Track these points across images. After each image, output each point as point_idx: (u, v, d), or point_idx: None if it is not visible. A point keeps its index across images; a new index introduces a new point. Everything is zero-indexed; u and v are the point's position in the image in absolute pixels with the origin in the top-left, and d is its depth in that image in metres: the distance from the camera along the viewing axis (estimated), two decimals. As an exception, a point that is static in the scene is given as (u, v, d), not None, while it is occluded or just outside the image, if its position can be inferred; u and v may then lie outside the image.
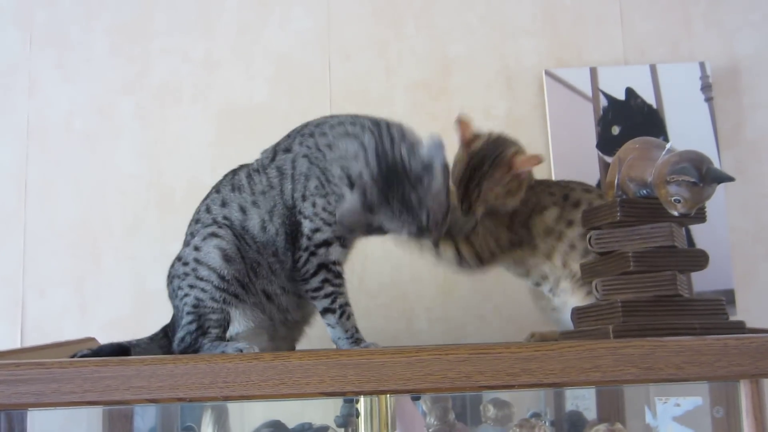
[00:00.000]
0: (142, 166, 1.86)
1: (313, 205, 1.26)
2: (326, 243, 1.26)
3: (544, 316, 1.50)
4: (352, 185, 1.23)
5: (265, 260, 1.27)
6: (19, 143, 1.87)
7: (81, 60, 1.91)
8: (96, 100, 1.89)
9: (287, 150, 1.31)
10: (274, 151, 1.33)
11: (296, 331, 1.40)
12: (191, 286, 1.26)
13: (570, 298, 1.38)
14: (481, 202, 1.35)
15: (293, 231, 1.28)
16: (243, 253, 1.27)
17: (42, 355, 1.26)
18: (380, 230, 1.25)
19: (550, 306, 1.45)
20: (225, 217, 1.29)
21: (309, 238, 1.26)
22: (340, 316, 1.26)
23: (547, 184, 1.47)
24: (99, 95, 1.89)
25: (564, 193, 1.41)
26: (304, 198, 1.27)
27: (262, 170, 1.32)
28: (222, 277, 1.24)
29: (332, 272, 1.27)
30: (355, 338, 1.26)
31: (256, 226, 1.28)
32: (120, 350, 1.26)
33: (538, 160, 1.33)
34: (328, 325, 1.27)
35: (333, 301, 1.26)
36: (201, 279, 1.25)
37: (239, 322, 1.27)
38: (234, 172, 1.35)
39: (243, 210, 1.29)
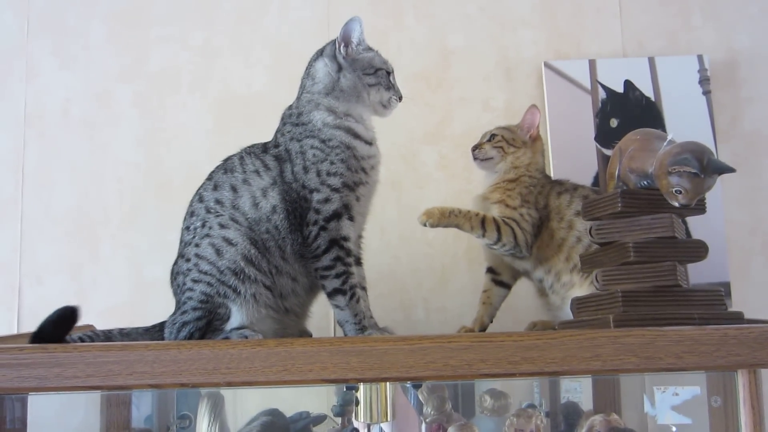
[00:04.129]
0: (139, 154, 1.86)
1: (318, 174, 1.28)
2: (336, 215, 1.27)
3: (546, 314, 1.51)
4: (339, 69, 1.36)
5: (258, 237, 1.28)
6: (16, 130, 1.86)
7: (78, 47, 1.90)
8: (93, 87, 1.89)
9: (276, 146, 1.35)
10: (265, 147, 1.36)
11: (300, 323, 1.40)
12: (195, 281, 1.26)
13: (570, 291, 1.39)
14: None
15: (296, 209, 1.28)
16: (232, 238, 1.27)
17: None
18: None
19: (550, 303, 1.46)
20: (217, 201, 1.30)
21: (318, 212, 1.27)
22: (350, 298, 1.26)
23: (558, 181, 1.57)
24: (96, 82, 1.89)
25: (574, 186, 1.52)
26: (306, 170, 1.29)
27: (254, 155, 1.34)
28: (219, 270, 1.25)
29: (344, 249, 1.27)
30: (362, 325, 1.26)
31: (247, 203, 1.29)
32: (64, 317, 1.23)
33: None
34: (337, 306, 1.27)
35: (344, 282, 1.26)
36: (204, 273, 1.26)
37: (237, 317, 1.26)
38: (226, 159, 1.38)
39: (234, 189, 1.31)
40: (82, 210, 1.83)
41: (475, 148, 1.59)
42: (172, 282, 1.34)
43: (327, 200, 1.27)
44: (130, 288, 1.80)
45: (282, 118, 1.39)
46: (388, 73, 1.40)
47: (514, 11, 1.91)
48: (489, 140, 1.58)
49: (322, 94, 1.35)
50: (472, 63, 1.89)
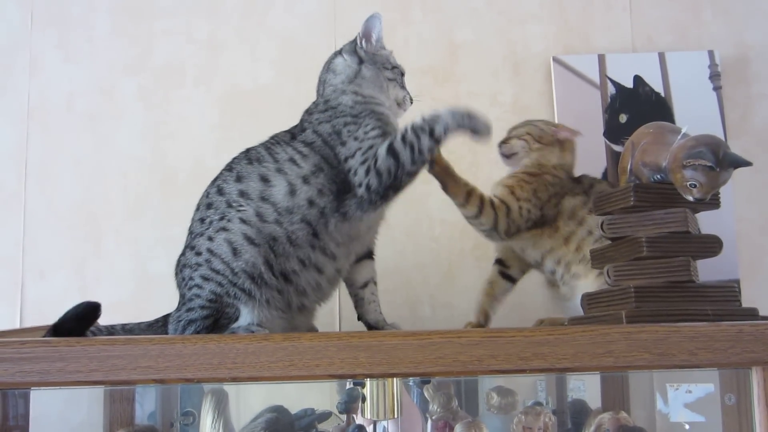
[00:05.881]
0: (144, 148, 1.84)
1: (355, 139, 1.26)
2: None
3: (555, 305, 1.49)
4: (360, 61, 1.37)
5: (284, 230, 1.21)
6: (19, 123, 1.85)
7: (82, 40, 1.88)
8: (98, 80, 1.87)
9: (303, 130, 1.31)
10: (292, 135, 1.32)
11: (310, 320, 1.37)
12: (205, 278, 1.21)
13: (580, 282, 1.37)
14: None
15: (345, 188, 1.25)
16: (254, 237, 1.21)
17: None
18: None
19: (561, 295, 1.44)
20: (241, 193, 1.24)
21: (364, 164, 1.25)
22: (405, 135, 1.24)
23: (577, 179, 1.52)
24: (101, 76, 1.87)
25: (591, 183, 1.49)
26: (344, 144, 1.27)
27: (284, 143, 1.30)
28: (233, 271, 1.20)
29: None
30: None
31: (281, 191, 1.22)
32: (86, 312, 1.21)
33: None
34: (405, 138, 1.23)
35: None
36: (216, 272, 1.20)
37: (246, 318, 1.23)
38: (247, 151, 1.32)
39: (265, 179, 1.24)
40: (85, 204, 1.82)
41: (502, 143, 1.54)
42: (176, 274, 1.30)
43: (370, 148, 1.25)
44: (134, 283, 1.78)
45: (306, 112, 1.36)
46: (402, 74, 1.42)
47: (522, 5, 1.89)
48: (516, 136, 1.53)
49: (345, 82, 1.36)
50: (480, 57, 1.88)
